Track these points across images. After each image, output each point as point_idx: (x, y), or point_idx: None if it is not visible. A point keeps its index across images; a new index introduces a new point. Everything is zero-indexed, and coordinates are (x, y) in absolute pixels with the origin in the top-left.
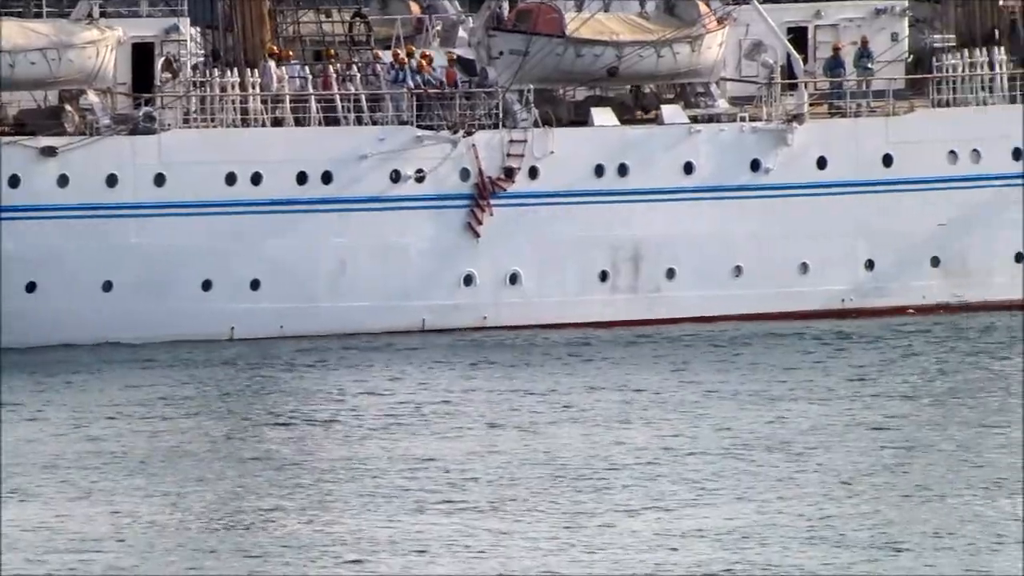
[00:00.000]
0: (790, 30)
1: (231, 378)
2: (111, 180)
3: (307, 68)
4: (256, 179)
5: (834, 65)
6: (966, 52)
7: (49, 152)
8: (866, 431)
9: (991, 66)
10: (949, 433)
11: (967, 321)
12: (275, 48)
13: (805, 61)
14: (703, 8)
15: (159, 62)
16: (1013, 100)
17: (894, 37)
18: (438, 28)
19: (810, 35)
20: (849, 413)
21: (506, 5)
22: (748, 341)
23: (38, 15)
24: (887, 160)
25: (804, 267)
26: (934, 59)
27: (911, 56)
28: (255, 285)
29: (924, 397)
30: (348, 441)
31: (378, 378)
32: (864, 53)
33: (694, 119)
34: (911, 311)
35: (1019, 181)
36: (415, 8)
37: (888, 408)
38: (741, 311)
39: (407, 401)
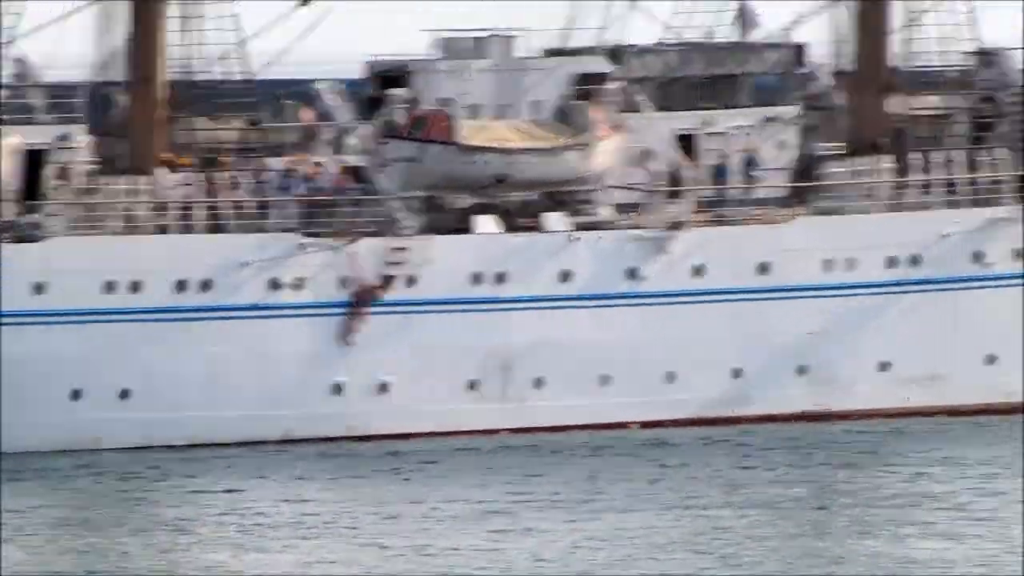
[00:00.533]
0: (679, 137)
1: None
2: None
3: (197, 175)
4: (135, 287)
5: (721, 173)
6: (852, 160)
7: None
8: (673, 544)
9: (875, 174)
10: (772, 546)
11: (829, 430)
12: (167, 155)
13: (692, 168)
14: (595, 116)
15: (49, 169)
16: (893, 208)
17: (781, 145)
18: (329, 135)
19: (698, 142)
20: (669, 525)
21: (402, 112)
22: (602, 451)
23: None
24: (764, 268)
25: (672, 375)
26: (818, 167)
27: (798, 164)
28: (125, 394)
29: (756, 507)
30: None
31: (206, 489)
32: (751, 161)
33: (575, 227)
34: (772, 419)
35: (894, 289)
36: (308, 114)
37: (715, 519)
38: (608, 420)
39: (231, 511)
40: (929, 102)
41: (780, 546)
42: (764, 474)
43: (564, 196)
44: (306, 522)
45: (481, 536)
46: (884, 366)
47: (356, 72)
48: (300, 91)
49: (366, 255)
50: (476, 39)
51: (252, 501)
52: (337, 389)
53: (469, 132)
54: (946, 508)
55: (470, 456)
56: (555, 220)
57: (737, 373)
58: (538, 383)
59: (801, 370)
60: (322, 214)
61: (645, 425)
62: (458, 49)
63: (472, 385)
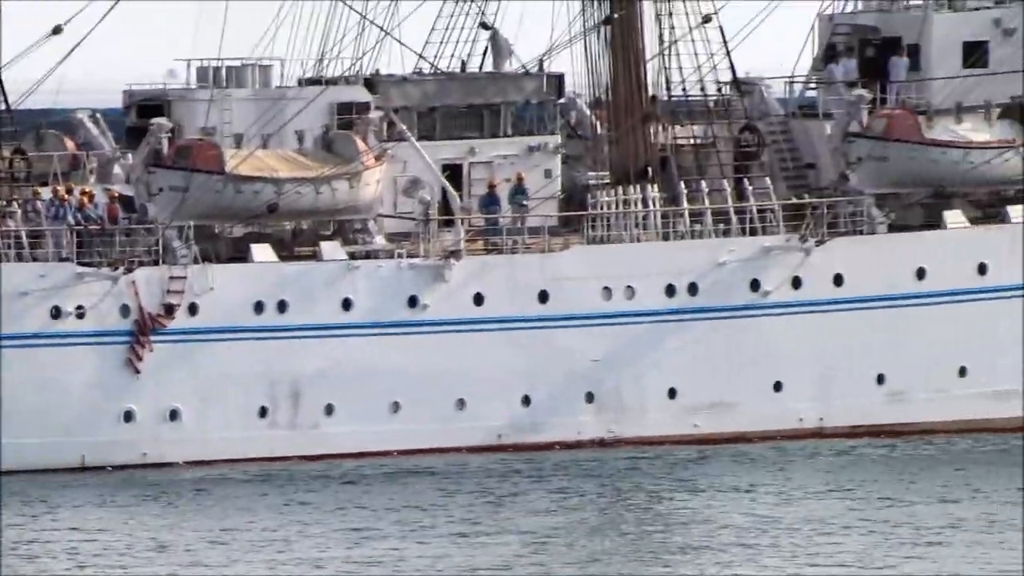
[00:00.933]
0: (446, 167)
1: None
2: None
3: None
4: None
5: (489, 202)
6: (619, 189)
7: None
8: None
9: (644, 203)
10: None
11: (617, 456)
12: None
13: (461, 198)
14: (360, 145)
15: None
16: (666, 236)
17: (547, 174)
18: (94, 164)
19: (465, 172)
20: (439, 554)
21: (166, 142)
22: (391, 478)
23: None
24: (543, 296)
25: (461, 403)
26: (588, 196)
27: (563, 193)
28: None
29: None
30: None
31: None
32: (519, 190)
33: (352, 255)
34: (564, 446)
35: (673, 317)
36: (70, 144)
37: (486, 549)
38: (399, 447)
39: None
40: (690, 131)
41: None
42: (540, 502)
43: (338, 225)
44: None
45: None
46: (672, 393)
47: (115, 101)
48: (60, 120)
49: (145, 284)
50: (234, 68)
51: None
52: (128, 416)
53: (235, 161)
54: (721, 533)
55: (253, 484)
56: (331, 249)
57: (527, 400)
58: (328, 410)
59: (590, 397)
60: (96, 243)
61: (436, 452)
62: (216, 78)
63: (263, 412)
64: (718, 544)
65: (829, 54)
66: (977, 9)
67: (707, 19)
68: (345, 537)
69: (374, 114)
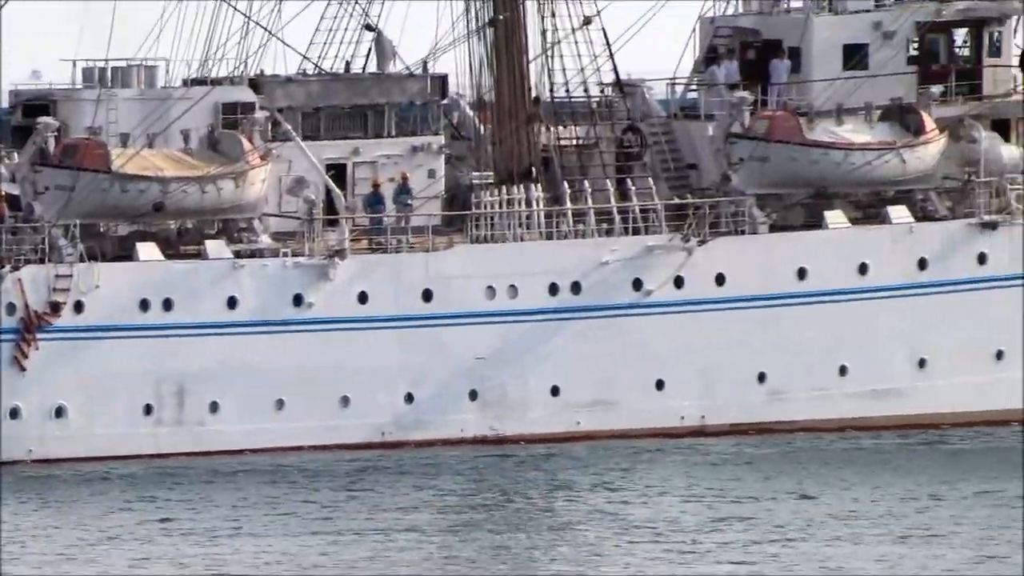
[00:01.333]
0: (330, 166)
1: None
2: None
3: None
4: None
5: (374, 201)
6: (503, 189)
7: None
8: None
9: (528, 203)
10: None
11: (496, 453)
12: None
13: (345, 197)
14: (246, 144)
15: None
16: (549, 236)
17: (431, 174)
18: None
19: (349, 171)
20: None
21: (52, 140)
22: (272, 475)
23: None
24: (427, 295)
25: (346, 400)
26: (472, 195)
27: (447, 193)
28: None
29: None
30: None
31: None
32: (403, 189)
33: (238, 254)
34: (448, 443)
35: (556, 315)
36: None
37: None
38: (283, 444)
39: None
40: (573, 132)
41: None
42: (403, 498)
43: (223, 224)
44: None
45: None
46: (555, 391)
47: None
48: None
49: (31, 282)
50: (119, 68)
51: None
52: (14, 413)
53: (121, 161)
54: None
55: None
56: (217, 248)
57: (410, 398)
58: (214, 407)
59: (474, 395)
60: None
61: (321, 449)
62: (101, 78)
63: (148, 410)
64: (562, 541)
65: (711, 56)
66: (857, 12)
67: (588, 21)
68: (208, 534)
69: (259, 114)
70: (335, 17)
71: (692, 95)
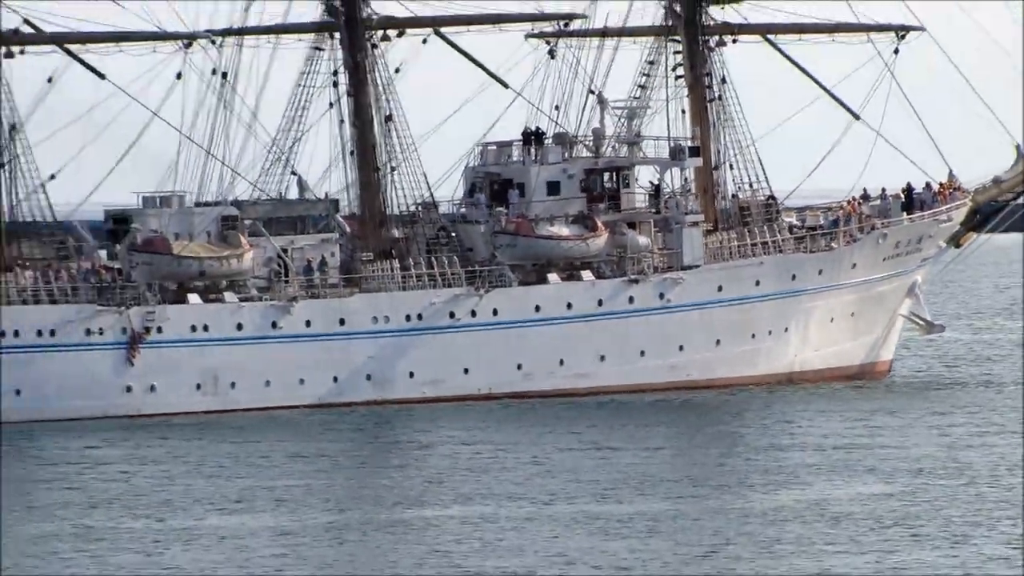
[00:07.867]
0: (281, 251)
1: None
2: None
3: None
4: None
5: (307, 270)
6: (377, 263)
7: None
8: None
9: (392, 269)
10: None
11: None
12: None
13: (291, 267)
14: (241, 239)
15: None
16: (404, 288)
17: (333, 254)
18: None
19: (290, 253)
20: None
21: (138, 236)
22: None
23: None
24: (342, 322)
25: (301, 381)
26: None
27: (343, 265)
28: None
29: None
30: None
31: None
32: (321, 263)
33: (240, 299)
34: None
35: (409, 333)
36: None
37: None
38: (274, 404)
39: None
40: (411, 230)
41: None
42: None
43: (230, 282)
44: None
45: None
46: (411, 374)
47: (98, 215)
48: (65, 226)
49: (134, 316)
50: (164, 196)
51: None
52: (129, 389)
53: (177, 248)
54: None
55: None
56: (229, 296)
57: (335, 380)
58: (233, 385)
59: (368, 377)
60: None
61: (281, 408)
62: (155, 202)
63: (197, 387)
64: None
65: (472, 189)
66: (554, 163)
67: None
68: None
69: (245, 222)
70: (269, 167)
71: (465, 211)
